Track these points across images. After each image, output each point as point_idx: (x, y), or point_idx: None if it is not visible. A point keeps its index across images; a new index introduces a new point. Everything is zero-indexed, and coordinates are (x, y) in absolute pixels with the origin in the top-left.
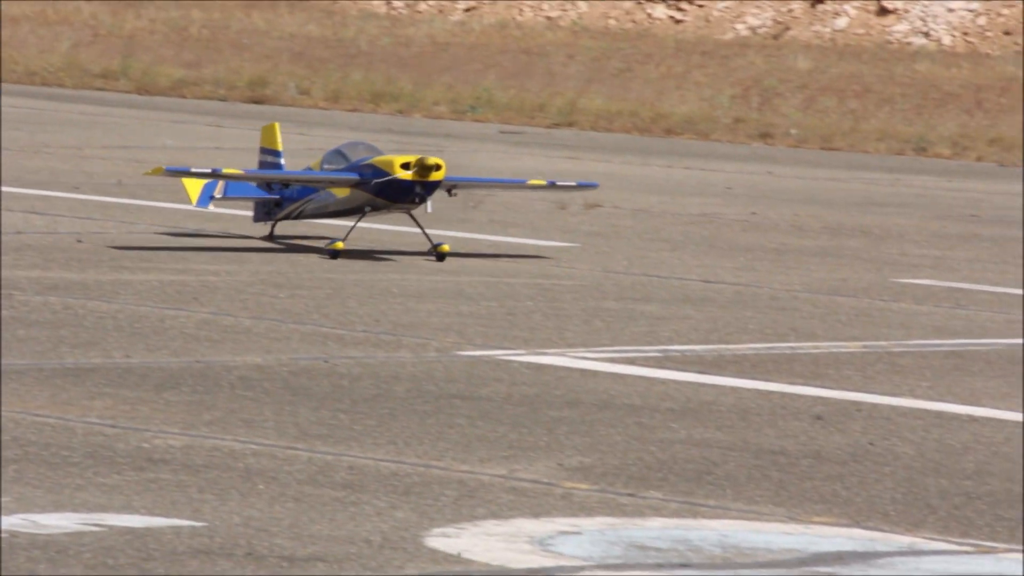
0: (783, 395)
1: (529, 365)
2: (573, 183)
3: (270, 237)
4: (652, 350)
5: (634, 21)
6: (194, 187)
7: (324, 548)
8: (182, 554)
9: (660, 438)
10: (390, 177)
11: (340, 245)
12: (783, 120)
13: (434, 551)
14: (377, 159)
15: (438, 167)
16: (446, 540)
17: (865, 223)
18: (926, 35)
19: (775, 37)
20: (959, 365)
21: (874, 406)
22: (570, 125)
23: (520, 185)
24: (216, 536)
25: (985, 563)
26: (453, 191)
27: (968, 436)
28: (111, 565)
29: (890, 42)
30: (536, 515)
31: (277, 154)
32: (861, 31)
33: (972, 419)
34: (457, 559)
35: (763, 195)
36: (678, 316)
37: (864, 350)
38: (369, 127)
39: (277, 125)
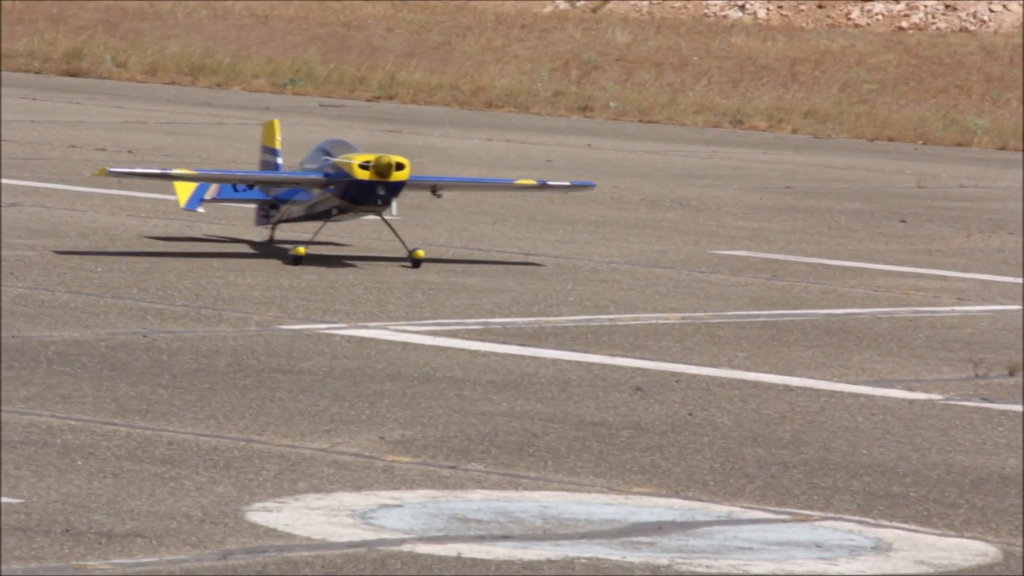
0: (603, 367)
1: (350, 339)
2: (567, 183)
3: (270, 242)
4: (473, 323)
5: None
6: (184, 189)
7: (143, 524)
8: None
9: (481, 410)
10: (349, 177)
11: (301, 251)
12: (602, 93)
13: (255, 525)
14: (339, 158)
15: (400, 166)
16: (267, 514)
17: (683, 195)
18: (742, 8)
19: (594, 11)
20: (775, 335)
21: (692, 377)
22: (391, 98)
23: (508, 185)
24: (33, 513)
25: (801, 531)
26: (438, 192)
27: (784, 406)
28: None
29: (707, 15)
30: (358, 488)
31: (275, 152)
32: (678, 4)
33: (788, 389)
34: (278, 533)
35: (583, 168)
36: (499, 289)
37: (683, 321)
38: (188, 100)
39: (276, 122)
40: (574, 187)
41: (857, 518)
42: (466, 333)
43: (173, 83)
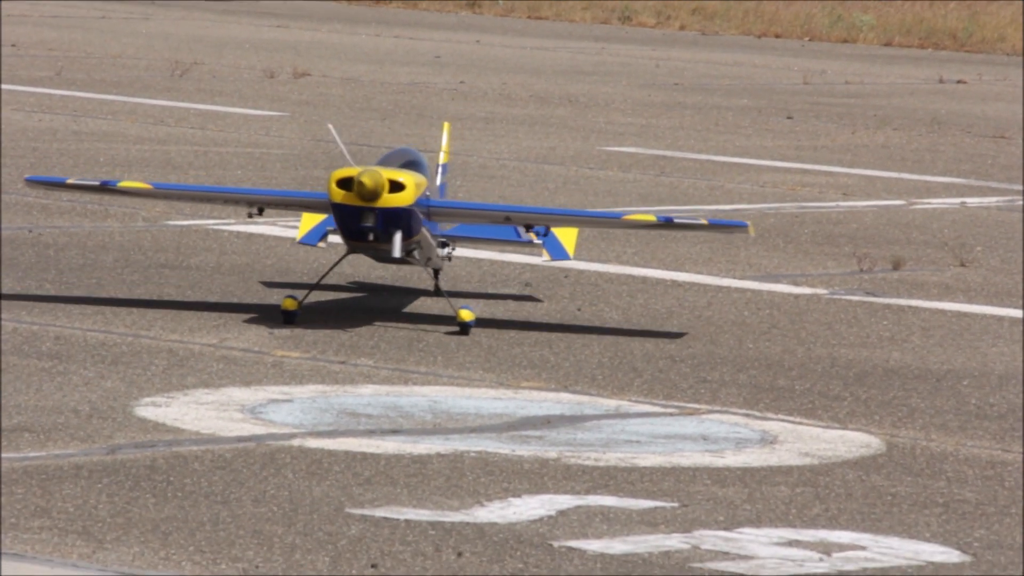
0: (492, 263)
1: (239, 234)
2: (702, 222)
3: (436, 291)
4: None
5: None
6: (309, 221)
7: (31, 418)
8: None
9: (370, 306)
10: (327, 200)
11: (289, 304)
12: None
13: (144, 420)
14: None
15: (398, 186)
16: (156, 409)
17: (572, 92)
18: None
19: None
20: (663, 231)
21: (581, 272)
22: None
23: (618, 222)
24: None
25: (688, 424)
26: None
27: (672, 301)
28: None
29: None
30: (247, 383)
31: (442, 169)
32: None
33: (676, 284)
34: (167, 428)
35: (471, 64)
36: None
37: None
38: None
39: (447, 126)
40: (713, 227)
41: (743, 411)
42: None
43: None
